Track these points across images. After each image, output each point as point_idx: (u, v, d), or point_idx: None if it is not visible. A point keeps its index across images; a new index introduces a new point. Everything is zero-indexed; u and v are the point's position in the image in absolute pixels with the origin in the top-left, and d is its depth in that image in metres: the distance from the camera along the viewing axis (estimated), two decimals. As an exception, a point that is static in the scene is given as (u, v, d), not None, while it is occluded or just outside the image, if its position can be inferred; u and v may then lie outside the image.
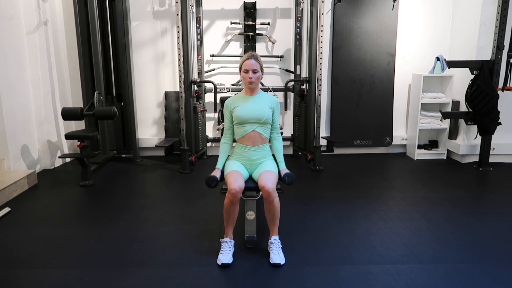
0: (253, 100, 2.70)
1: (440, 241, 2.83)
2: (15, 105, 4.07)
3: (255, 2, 4.84)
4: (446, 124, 4.94)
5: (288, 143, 5.18)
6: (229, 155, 2.83)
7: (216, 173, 2.68)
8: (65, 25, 4.71)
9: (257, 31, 4.93)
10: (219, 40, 4.99)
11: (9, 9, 3.98)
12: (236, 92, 4.66)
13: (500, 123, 4.39)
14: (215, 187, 2.67)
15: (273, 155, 2.80)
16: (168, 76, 5.02)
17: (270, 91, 4.81)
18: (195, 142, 4.75)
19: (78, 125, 4.79)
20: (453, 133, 4.92)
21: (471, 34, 4.60)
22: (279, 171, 2.71)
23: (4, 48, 3.92)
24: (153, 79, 5.02)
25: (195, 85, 4.72)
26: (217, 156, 2.78)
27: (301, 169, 4.62)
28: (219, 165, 2.74)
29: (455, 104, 4.88)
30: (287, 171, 2.70)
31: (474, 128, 4.60)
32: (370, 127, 5.09)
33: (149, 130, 5.16)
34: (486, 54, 4.43)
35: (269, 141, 2.79)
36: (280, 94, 4.87)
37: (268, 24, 4.94)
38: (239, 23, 4.90)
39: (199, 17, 4.81)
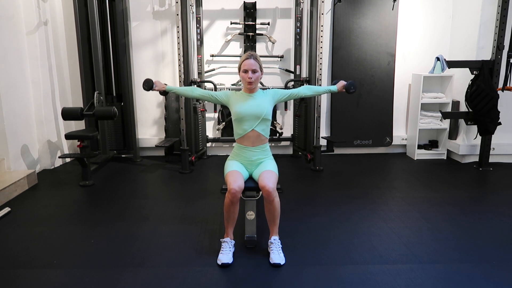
0: (252, 97, 2.70)
1: (440, 241, 2.83)
2: (15, 105, 4.07)
3: (255, 2, 4.84)
4: (446, 124, 4.94)
5: (288, 143, 5.19)
6: (228, 155, 2.83)
7: (156, 82, 2.90)
8: (65, 25, 4.71)
9: (257, 31, 4.93)
10: (219, 40, 4.99)
11: (9, 9, 3.98)
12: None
13: (500, 123, 4.39)
14: (145, 89, 2.93)
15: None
16: (168, 76, 5.01)
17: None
18: (195, 142, 4.75)
19: (78, 125, 4.79)
20: (453, 133, 4.92)
21: (471, 34, 4.60)
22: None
23: (4, 48, 3.92)
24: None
25: (195, 85, 4.71)
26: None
27: (301, 169, 4.62)
28: (168, 86, 2.92)
29: (455, 104, 4.88)
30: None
31: (474, 128, 4.60)
32: (370, 127, 5.09)
33: (149, 130, 5.15)
34: (486, 54, 4.43)
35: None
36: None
37: (268, 24, 4.94)
38: (239, 23, 4.90)
39: (199, 17, 4.81)
